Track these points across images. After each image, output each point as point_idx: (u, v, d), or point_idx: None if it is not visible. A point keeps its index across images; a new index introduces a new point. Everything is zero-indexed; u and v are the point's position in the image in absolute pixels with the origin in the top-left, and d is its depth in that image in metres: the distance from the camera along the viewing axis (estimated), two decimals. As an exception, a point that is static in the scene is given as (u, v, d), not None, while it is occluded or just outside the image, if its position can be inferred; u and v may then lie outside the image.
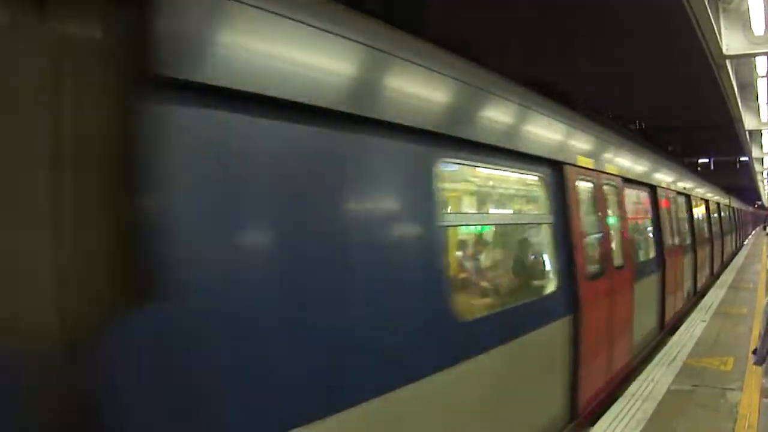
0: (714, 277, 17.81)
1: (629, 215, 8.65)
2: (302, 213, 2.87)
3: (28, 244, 1.93)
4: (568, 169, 5.97)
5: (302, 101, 2.84)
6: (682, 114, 25.97)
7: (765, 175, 45.17)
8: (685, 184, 14.56)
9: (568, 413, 5.80)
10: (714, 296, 13.72)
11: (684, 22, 9.63)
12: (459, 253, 5.55)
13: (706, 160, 41.17)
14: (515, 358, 4.63)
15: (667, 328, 10.45)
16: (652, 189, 10.45)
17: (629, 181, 8.70)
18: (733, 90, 14.61)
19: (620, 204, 8.08)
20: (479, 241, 6.03)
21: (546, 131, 5.78)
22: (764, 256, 22.44)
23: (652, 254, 10.07)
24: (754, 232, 54.18)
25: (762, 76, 13.84)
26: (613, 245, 7.49)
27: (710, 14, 9.41)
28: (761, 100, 17.03)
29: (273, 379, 2.57)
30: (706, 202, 18.02)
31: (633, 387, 6.79)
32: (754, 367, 5.39)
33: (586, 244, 6.38)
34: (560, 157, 5.88)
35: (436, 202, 3.80)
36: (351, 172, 3.22)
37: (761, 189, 56.61)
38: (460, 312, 3.95)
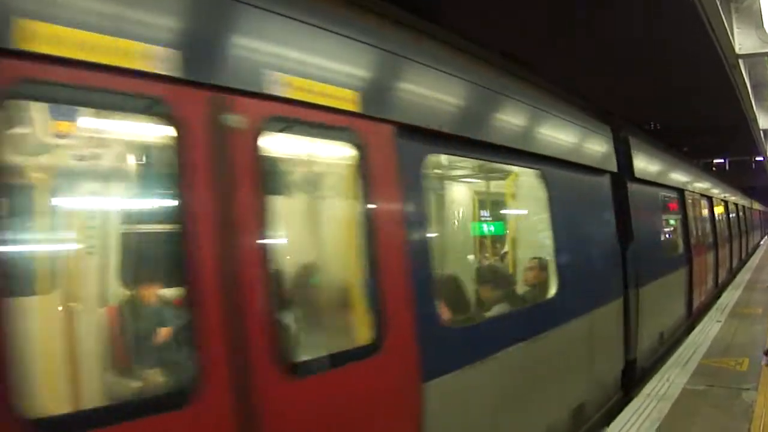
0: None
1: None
2: None
3: None
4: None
5: None
6: (697, 114, 25.82)
7: (781, 174, 44.66)
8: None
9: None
10: (729, 297, 13.69)
11: (696, 22, 9.63)
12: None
13: (721, 161, 40.90)
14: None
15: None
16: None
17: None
18: (747, 90, 14.53)
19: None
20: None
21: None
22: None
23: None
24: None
25: (775, 76, 13.78)
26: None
27: (722, 14, 9.41)
28: (775, 100, 16.93)
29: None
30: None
31: (648, 387, 6.81)
32: (768, 367, 5.37)
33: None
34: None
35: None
36: None
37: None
38: None
